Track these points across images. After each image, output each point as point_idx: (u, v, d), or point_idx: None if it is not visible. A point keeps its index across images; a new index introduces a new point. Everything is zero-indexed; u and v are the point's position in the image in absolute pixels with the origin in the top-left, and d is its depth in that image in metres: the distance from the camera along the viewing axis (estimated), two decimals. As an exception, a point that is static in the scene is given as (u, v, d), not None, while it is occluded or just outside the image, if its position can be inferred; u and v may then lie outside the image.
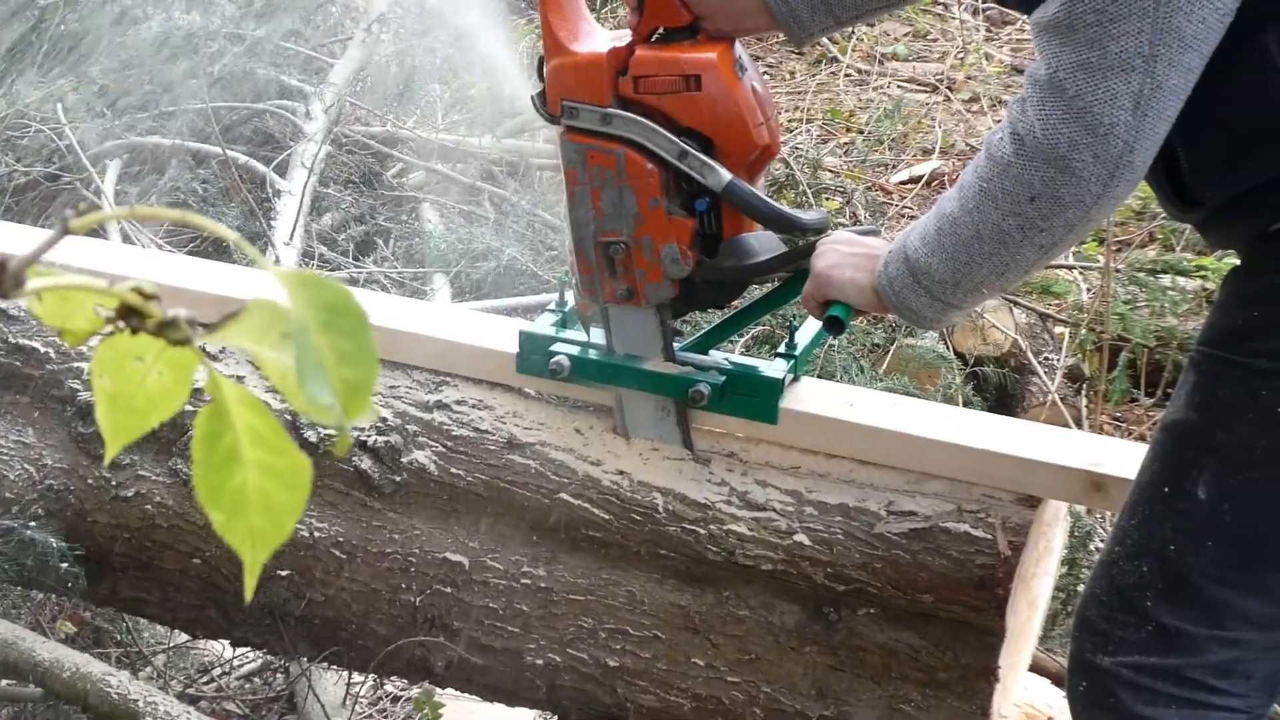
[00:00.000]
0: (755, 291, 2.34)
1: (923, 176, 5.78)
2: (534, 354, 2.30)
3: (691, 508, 2.24)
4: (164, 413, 0.77)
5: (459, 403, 2.38)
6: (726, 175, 2.06)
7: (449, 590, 2.37)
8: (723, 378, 2.21)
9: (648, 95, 2.07)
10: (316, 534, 2.40)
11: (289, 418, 2.40)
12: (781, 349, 2.29)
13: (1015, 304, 4.18)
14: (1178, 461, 1.82)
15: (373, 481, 2.38)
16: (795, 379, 2.28)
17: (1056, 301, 4.30)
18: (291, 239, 3.89)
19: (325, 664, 2.58)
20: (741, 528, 2.22)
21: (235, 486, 0.72)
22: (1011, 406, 4.03)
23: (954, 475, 2.17)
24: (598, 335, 2.27)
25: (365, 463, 2.38)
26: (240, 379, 2.46)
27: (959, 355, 4.06)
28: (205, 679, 3.07)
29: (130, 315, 0.70)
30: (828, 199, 5.24)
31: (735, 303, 2.33)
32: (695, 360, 2.25)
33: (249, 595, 0.84)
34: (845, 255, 2.03)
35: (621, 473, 2.29)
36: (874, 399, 2.31)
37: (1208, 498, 1.78)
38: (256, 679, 3.07)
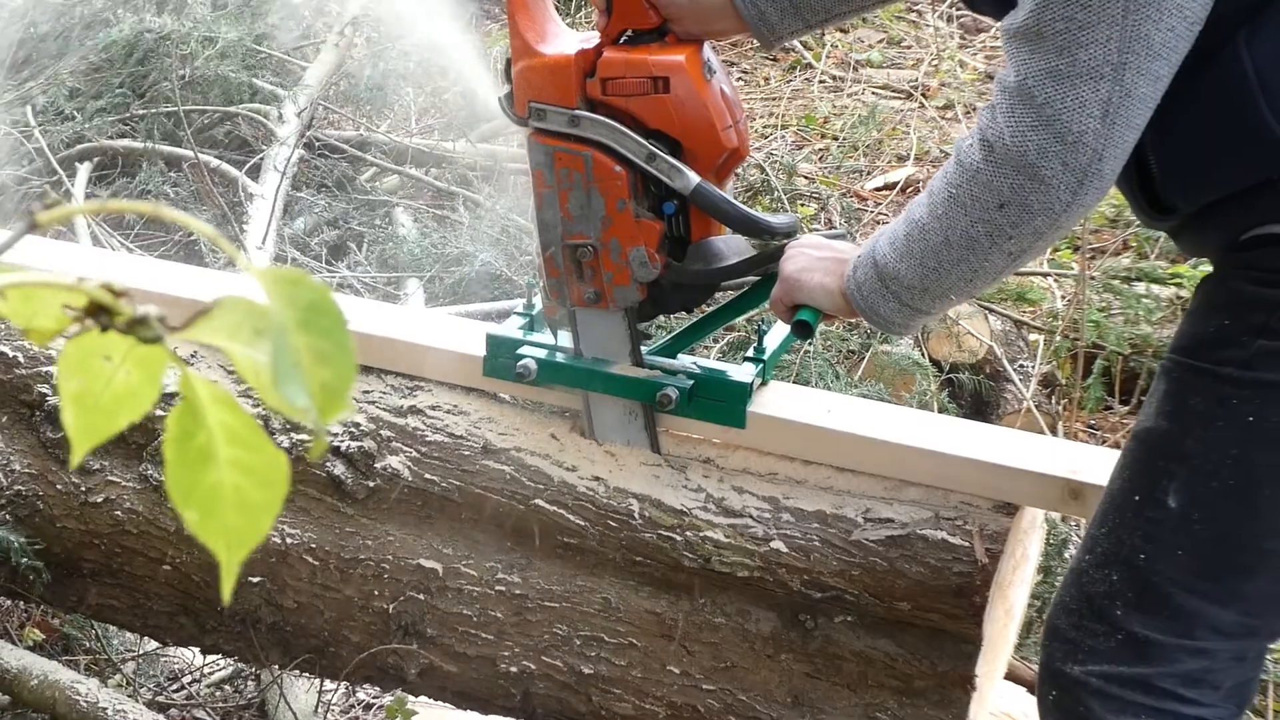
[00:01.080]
0: (725, 295, 2.33)
1: (898, 183, 5.78)
2: (501, 357, 2.29)
3: (668, 514, 2.22)
4: (133, 414, 0.75)
5: (433, 408, 2.36)
6: (694, 178, 2.05)
7: (422, 597, 2.35)
8: (691, 382, 2.20)
9: (615, 97, 2.06)
10: (289, 540, 2.38)
11: (260, 423, 2.38)
12: (750, 353, 2.28)
13: (990, 311, 4.17)
14: (1148, 470, 1.82)
15: (346, 487, 2.35)
16: (764, 383, 2.27)
17: (1031, 309, 4.30)
18: (264, 243, 3.86)
19: (297, 671, 2.55)
20: (718, 534, 2.20)
21: (209, 485, 0.70)
22: (986, 413, 4.02)
23: (932, 482, 2.16)
24: (566, 339, 2.26)
25: (338, 468, 2.35)
26: (213, 383, 2.43)
27: (934, 362, 4.05)
28: (175, 686, 3.03)
29: (99, 313, 0.68)
30: (803, 205, 5.23)
31: (704, 306, 2.32)
32: (663, 364, 2.24)
33: (227, 597, 0.82)
34: (814, 259, 2.02)
35: (597, 479, 2.27)
36: (851, 406, 2.30)
37: (1178, 506, 1.77)
38: (227, 686, 3.04)
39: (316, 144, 4.65)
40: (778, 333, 2.29)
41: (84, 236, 3.77)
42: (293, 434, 2.37)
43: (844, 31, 7.07)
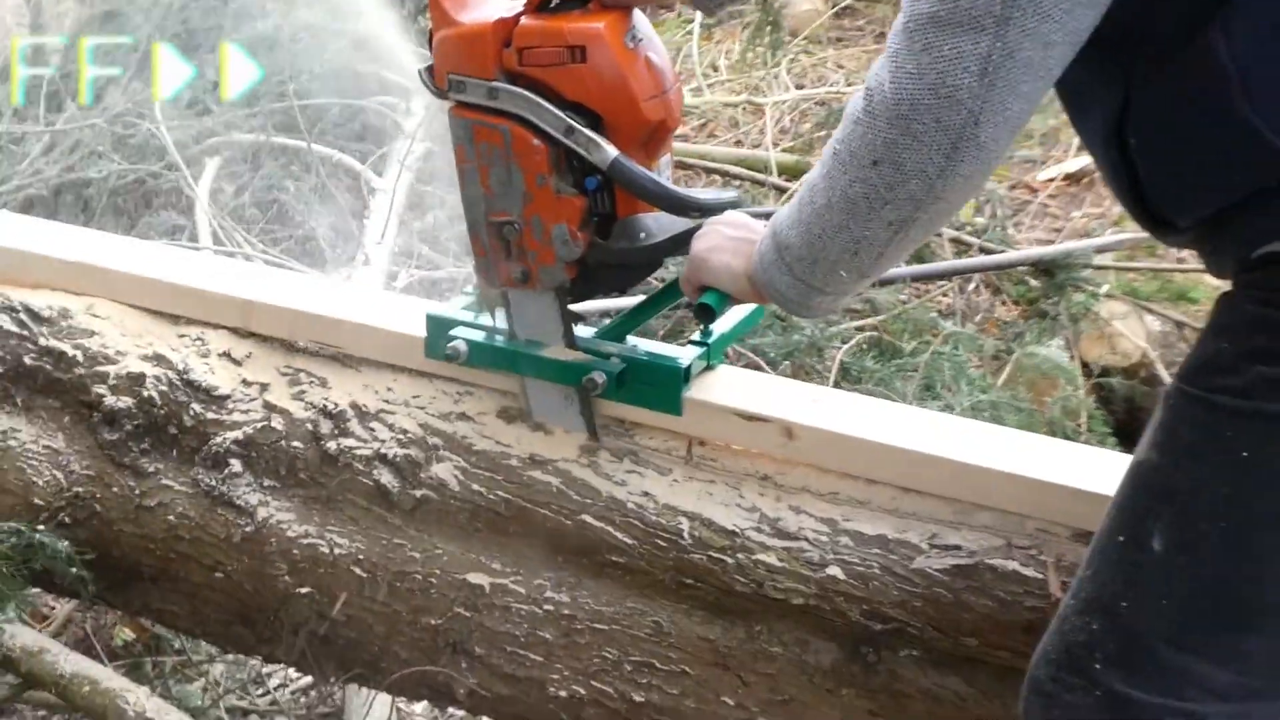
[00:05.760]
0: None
1: (1074, 173, 5.50)
2: (439, 338, 2.20)
3: (719, 534, 2.06)
4: None
5: (481, 414, 2.24)
6: (612, 152, 1.95)
7: (469, 614, 2.23)
8: (622, 365, 2.08)
9: (532, 67, 1.97)
10: (337, 551, 2.29)
11: (310, 427, 2.30)
12: (696, 336, 2.16)
13: (1148, 310, 3.90)
14: (1134, 507, 1.60)
15: (392, 496, 2.25)
16: (709, 367, 2.15)
17: (1195, 308, 4.00)
18: (383, 237, 3.79)
19: (356, 684, 2.47)
20: (771, 558, 2.03)
21: None
22: (1140, 421, 3.75)
23: (1006, 506, 1.96)
24: (503, 320, 2.17)
25: (385, 476, 2.25)
26: (265, 386, 2.35)
27: (1084, 365, 3.80)
28: (260, 691, 2.98)
29: None
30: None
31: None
32: (597, 347, 2.13)
33: None
34: (726, 238, 1.91)
35: (647, 494, 2.12)
36: (920, 420, 2.11)
37: (1163, 549, 1.55)
38: (312, 692, 2.98)
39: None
40: (732, 315, 2.16)
41: (205, 233, 3.76)
42: (340, 440, 2.27)
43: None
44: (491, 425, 2.22)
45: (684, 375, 2.10)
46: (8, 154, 4.25)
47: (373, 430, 2.27)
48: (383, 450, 2.26)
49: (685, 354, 2.12)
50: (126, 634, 3.02)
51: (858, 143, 1.59)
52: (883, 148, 1.56)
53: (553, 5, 1.99)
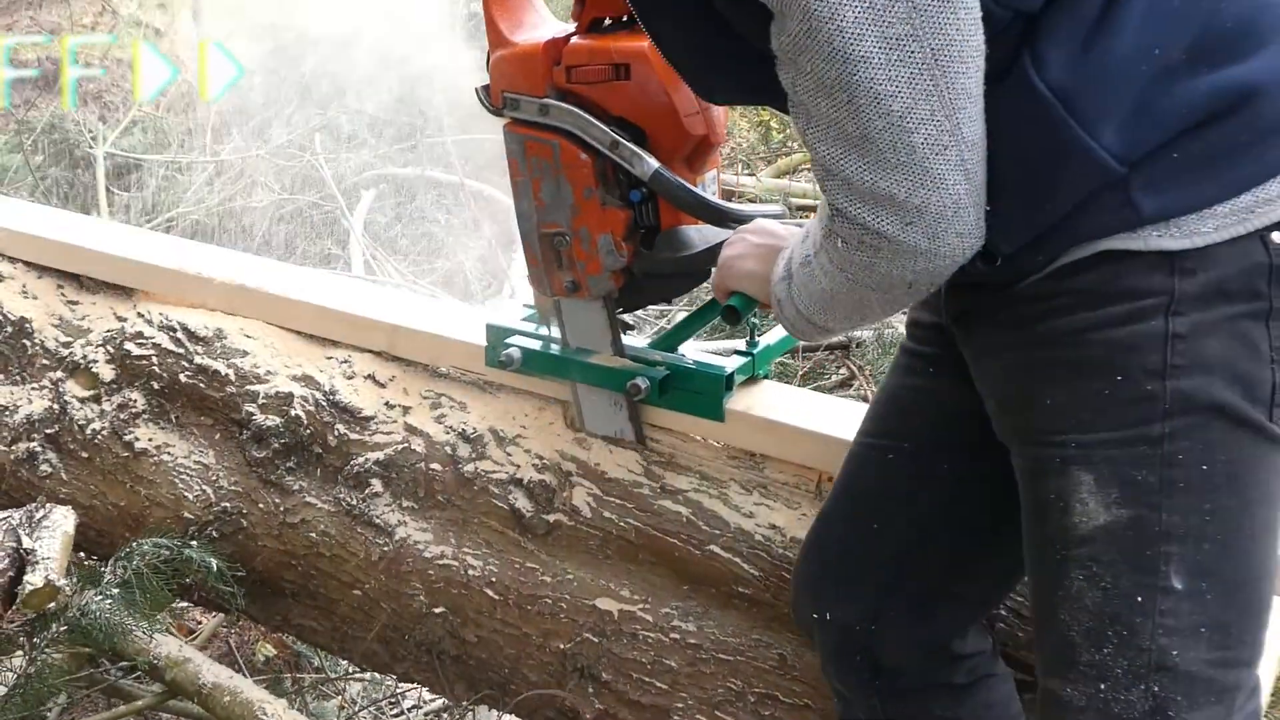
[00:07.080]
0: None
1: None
2: (496, 346, 2.30)
3: (845, 569, 2.07)
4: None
5: (615, 442, 2.27)
6: (653, 164, 2.03)
7: (597, 640, 2.26)
8: (665, 372, 2.17)
9: (580, 85, 2.05)
10: (470, 572, 2.33)
11: (449, 450, 2.35)
12: (741, 346, 2.24)
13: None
14: (1137, 563, 1.61)
15: (526, 520, 2.29)
16: (754, 378, 2.22)
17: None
18: (529, 271, 3.85)
19: (485, 705, 2.51)
20: (897, 594, 2.03)
21: None
22: None
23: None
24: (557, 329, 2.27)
25: (520, 500, 2.29)
26: (407, 408, 2.41)
27: None
28: (395, 712, 3.03)
29: None
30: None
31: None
32: (645, 355, 2.21)
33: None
34: (752, 245, 1.96)
35: (774, 527, 2.13)
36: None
37: (1185, 586, 1.54)
38: (444, 715, 3.02)
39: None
40: (780, 329, 2.25)
41: (358, 262, 3.85)
42: (477, 463, 2.32)
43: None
44: (624, 453, 2.26)
45: (727, 383, 2.17)
46: (175, 182, 4.40)
47: (509, 455, 2.32)
48: (518, 475, 2.30)
49: (728, 363, 2.19)
50: (268, 650, 3.09)
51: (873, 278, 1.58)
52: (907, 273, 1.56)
53: (604, 26, 2.07)
